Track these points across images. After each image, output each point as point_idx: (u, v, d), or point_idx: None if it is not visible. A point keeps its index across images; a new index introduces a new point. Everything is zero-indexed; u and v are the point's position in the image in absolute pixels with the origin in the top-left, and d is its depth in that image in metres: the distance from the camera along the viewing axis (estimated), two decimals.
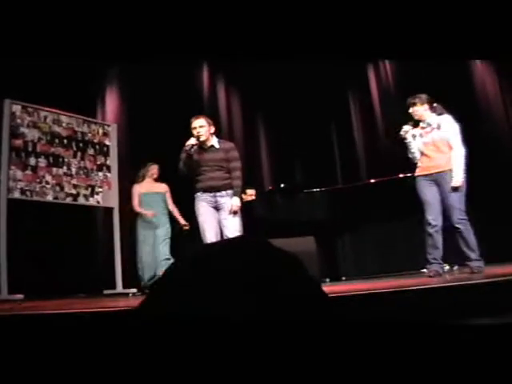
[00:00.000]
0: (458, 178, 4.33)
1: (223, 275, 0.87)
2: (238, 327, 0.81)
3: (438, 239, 4.41)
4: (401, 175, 5.82)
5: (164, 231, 6.02)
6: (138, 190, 6.09)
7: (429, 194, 4.49)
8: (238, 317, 0.82)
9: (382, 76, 8.39)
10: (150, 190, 6.11)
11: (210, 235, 4.44)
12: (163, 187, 6.22)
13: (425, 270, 5.52)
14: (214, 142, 4.58)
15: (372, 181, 6.24)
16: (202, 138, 4.47)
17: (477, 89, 7.60)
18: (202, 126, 4.51)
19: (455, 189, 4.32)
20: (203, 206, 4.49)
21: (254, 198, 6.54)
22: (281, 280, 0.85)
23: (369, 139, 8.20)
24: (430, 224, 4.44)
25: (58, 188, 5.63)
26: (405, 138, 4.68)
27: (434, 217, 4.43)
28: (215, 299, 0.84)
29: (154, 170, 6.20)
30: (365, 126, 8.35)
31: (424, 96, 4.63)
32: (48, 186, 5.54)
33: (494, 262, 4.75)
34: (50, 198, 5.54)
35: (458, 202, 4.33)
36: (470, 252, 4.31)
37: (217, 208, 4.51)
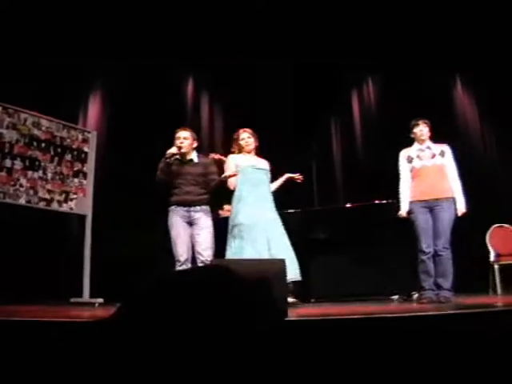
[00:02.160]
0: (463, 204, 4.53)
1: (192, 304, 0.89)
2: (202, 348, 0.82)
3: (431, 266, 4.46)
4: (376, 201, 5.88)
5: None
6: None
7: (424, 220, 4.55)
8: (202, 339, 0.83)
9: (365, 101, 8.51)
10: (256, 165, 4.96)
11: (181, 250, 4.42)
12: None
13: (395, 297, 5.57)
14: (193, 156, 4.60)
15: (348, 205, 6.27)
16: (183, 150, 4.48)
17: (457, 113, 7.87)
18: (186, 138, 4.54)
19: (451, 216, 4.46)
20: (176, 220, 4.48)
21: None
22: (243, 310, 0.86)
23: (348, 163, 8.27)
24: (423, 251, 4.48)
25: (31, 192, 5.56)
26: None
27: (427, 244, 4.48)
28: (182, 323, 0.85)
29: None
30: (345, 150, 8.42)
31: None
32: (22, 189, 5.46)
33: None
34: (22, 201, 5.47)
35: (448, 230, 4.45)
36: (444, 281, 4.38)
37: (190, 223, 4.50)
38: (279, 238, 4.71)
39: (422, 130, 4.71)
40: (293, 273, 4.52)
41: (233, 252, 4.62)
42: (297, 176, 5.11)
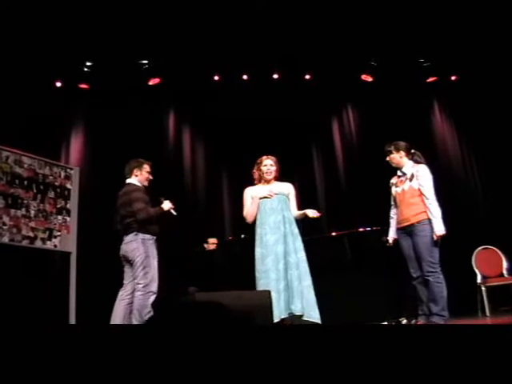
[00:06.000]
0: (438, 227, 4.29)
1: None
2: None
3: (422, 291, 4.38)
4: (361, 229, 5.88)
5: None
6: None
7: (405, 246, 4.50)
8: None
9: (345, 128, 8.58)
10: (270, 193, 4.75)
11: (156, 282, 4.54)
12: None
13: (383, 324, 5.54)
14: None
15: (333, 233, 6.26)
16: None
17: (437, 138, 8.00)
18: None
19: (430, 239, 4.28)
20: (153, 251, 4.62)
21: (215, 246, 6.51)
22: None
23: (330, 192, 8.28)
24: (411, 276, 4.44)
25: (14, 230, 5.50)
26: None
27: (414, 269, 4.42)
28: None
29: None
30: (327, 178, 8.45)
31: (401, 143, 4.62)
32: (5, 228, 5.40)
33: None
34: (5, 239, 5.40)
35: (427, 253, 4.29)
36: (433, 305, 4.26)
37: None
38: (295, 267, 4.45)
39: (389, 158, 4.66)
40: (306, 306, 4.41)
41: (257, 284, 4.46)
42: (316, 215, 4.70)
